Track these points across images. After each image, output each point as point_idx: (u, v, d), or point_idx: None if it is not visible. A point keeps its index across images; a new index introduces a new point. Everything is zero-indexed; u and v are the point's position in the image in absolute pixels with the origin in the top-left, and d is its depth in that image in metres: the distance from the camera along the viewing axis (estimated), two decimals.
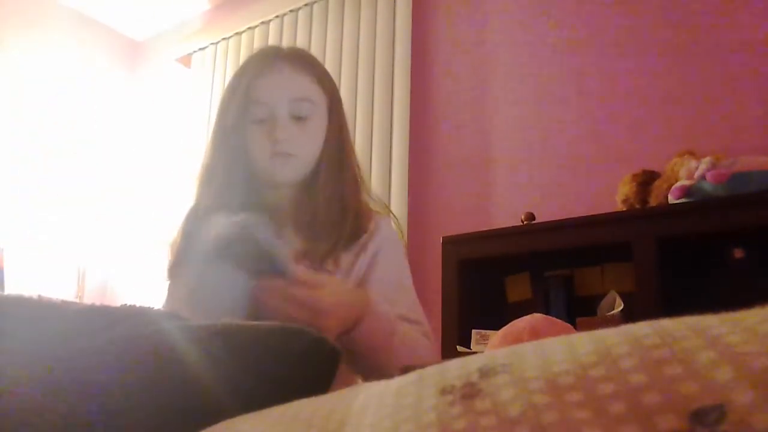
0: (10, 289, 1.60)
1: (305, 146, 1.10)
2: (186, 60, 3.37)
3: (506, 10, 2.42)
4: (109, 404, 0.46)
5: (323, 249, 1.06)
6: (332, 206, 1.10)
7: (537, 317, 1.27)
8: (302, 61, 1.13)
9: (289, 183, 1.11)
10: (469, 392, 0.29)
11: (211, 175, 1.13)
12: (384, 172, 2.46)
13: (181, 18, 3.54)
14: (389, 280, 1.10)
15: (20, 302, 0.48)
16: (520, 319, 1.27)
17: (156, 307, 0.55)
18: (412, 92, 2.50)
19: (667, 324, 0.29)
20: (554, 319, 1.29)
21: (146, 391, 0.47)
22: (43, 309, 0.49)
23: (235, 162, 1.11)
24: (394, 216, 1.28)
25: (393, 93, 2.53)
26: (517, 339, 1.20)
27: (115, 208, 3.42)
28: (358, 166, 1.18)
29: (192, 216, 1.15)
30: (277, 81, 1.10)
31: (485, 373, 0.31)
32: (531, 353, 0.31)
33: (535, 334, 1.18)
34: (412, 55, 2.54)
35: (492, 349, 1.26)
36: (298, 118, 1.09)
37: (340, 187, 1.12)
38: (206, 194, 1.13)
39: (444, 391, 0.31)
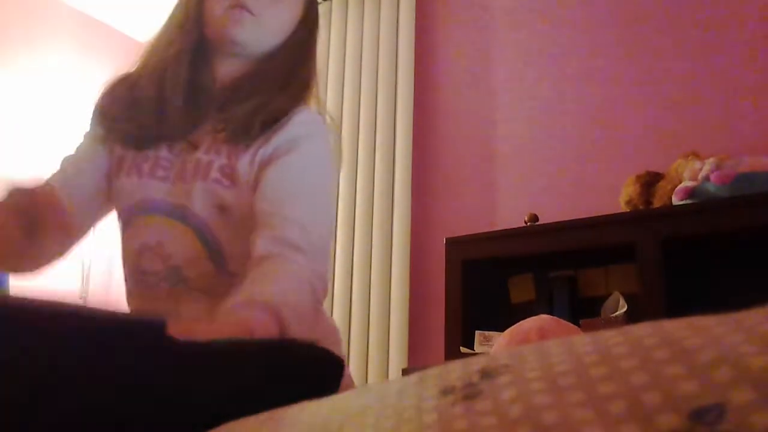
0: (14, 285, 1.61)
1: (271, 13, 0.96)
2: None
3: (510, 10, 2.42)
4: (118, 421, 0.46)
5: (241, 113, 0.92)
6: (276, 79, 0.97)
7: (544, 318, 1.27)
8: None
9: (239, 43, 0.97)
10: (471, 393, 0.29)
11: (157, 43, 1.02)
12: (387, 172, 2.47)
13: None
14: (285, 184, 0.90)
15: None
16: (527, 319, 1.27)
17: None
18: (415, 92, 2.51)
19: (667, 324, 0.29)
20: (561, 320, 1.29)
21: (149, 409, 0.47)
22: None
23: (185, 23, 0.98)
24: (333, 121, 1.07)
25: (396, 92, 2.53)
26: (525, 339, 1.20)
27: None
28: (317, 83, 1.05)
29: (123, 82, 1.02)
30: None
31: (486, 374, 0.31)
32: (532, 354, 0.31)
33: (543, 334, 1.18)
34: (415, 55, 2.54)
35: (498, 349, 1.26)
36: None
37: (294, 73, 0.99)
38: (147, 63, 1.02)
39: (445, 392, 0.31)
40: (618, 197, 1.84)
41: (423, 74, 2.56)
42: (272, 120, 0.93)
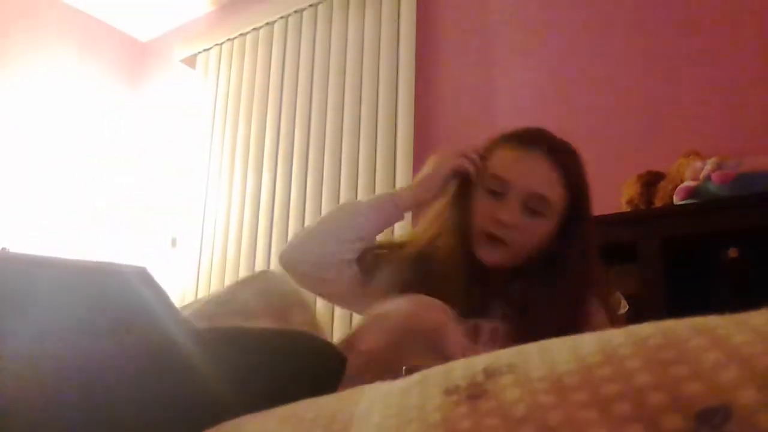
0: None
1: (522, 240, 1.04)
2: (190, 61, 3.38)
3: (512, 8, 2.42)
4: (116, 410, 0.46)
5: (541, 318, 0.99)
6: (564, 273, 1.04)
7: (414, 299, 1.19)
8: (559, 157, 1.12)
9: (490, 266, 1.05)
10: (475, 392, 0.29)
11: (434, 230, 1.13)
12: (388, 171, 2.46)
13: (185, 19, 3.55)
14: None
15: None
16: (391, 300, 1.15)
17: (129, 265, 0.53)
18: (416, 91, 2.50)
19: (671, 325, 0.28)
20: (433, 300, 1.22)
21: (153, 395, 0.47)
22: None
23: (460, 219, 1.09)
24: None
25: (397, 93, 2.53)
26: (392, 329, 1.12)
27: (120, 209, 3.43)
28: (587, 272, 1.10)
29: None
30: (526, 166, 1.08)
31: (490, 373, 0.31)
32: (536, 353, 0.31)
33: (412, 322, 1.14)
34: (416, 55, 2.54)
35: (366, 336, 1.16)
36: (529, 211, 1.04)
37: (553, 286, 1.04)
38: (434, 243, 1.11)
39: (449, 392, 0.31)
40: (618, 197, 1.84)
41: (424, 74, 2.56)
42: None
